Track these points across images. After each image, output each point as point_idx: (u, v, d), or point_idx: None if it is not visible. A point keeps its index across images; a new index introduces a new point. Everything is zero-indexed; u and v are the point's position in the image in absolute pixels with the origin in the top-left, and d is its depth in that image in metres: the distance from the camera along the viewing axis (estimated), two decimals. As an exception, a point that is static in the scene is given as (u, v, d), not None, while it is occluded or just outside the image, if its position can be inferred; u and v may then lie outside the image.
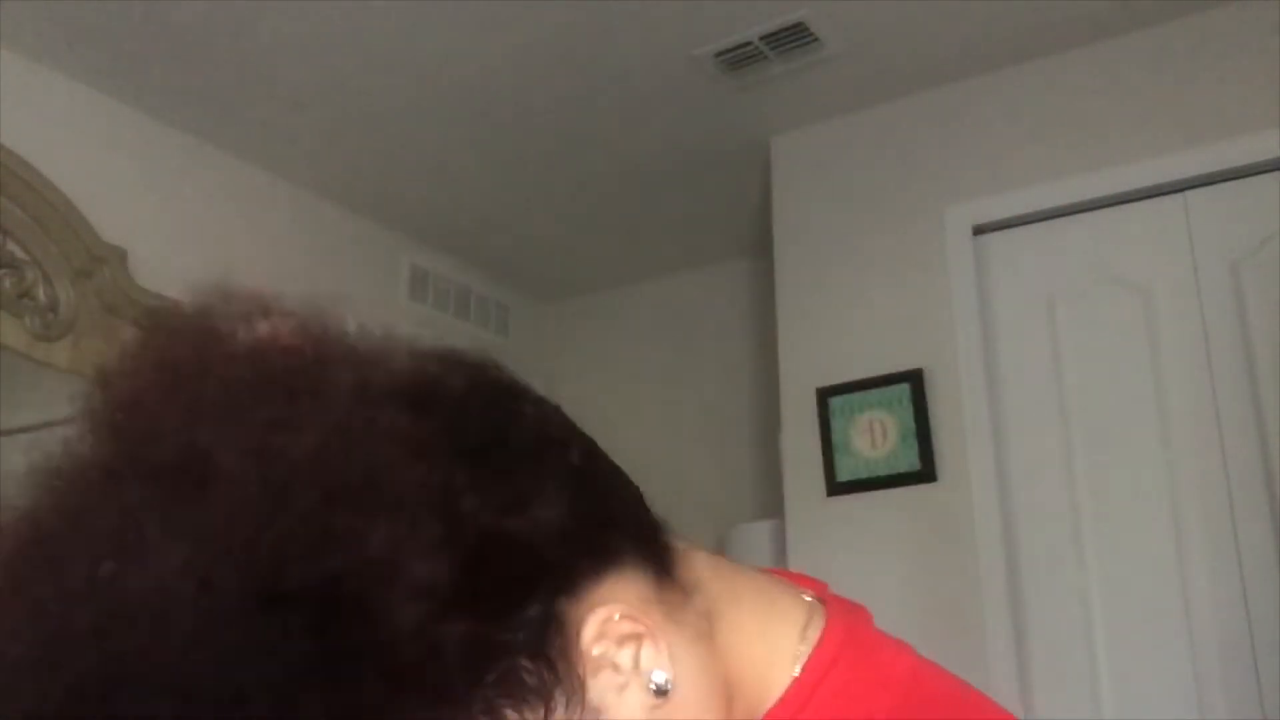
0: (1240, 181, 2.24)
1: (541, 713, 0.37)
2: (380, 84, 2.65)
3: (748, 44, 2.46)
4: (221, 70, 2.59)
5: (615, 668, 0.40)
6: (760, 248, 3.34)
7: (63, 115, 2.58)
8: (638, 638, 0.40)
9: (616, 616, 0.40)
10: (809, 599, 0.49)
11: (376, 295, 3.44)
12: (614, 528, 0.43)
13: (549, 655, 0.37)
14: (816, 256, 2.75)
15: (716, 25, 2.40)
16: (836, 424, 2.52)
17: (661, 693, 0.40)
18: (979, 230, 2.52)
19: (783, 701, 0.45)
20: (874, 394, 2.48)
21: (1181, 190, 2.30)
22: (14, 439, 2.47)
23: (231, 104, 2.75)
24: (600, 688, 0.39)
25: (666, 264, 3.83)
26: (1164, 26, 2.36)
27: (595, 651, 0.39)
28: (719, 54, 2.50)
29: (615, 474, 0.47)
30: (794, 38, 2.43)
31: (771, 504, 2.93)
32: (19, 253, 2.42)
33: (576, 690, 0.38)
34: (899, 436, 2.44)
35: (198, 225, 2.89)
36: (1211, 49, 2.30)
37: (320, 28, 2.41)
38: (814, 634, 0.47)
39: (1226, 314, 2.20)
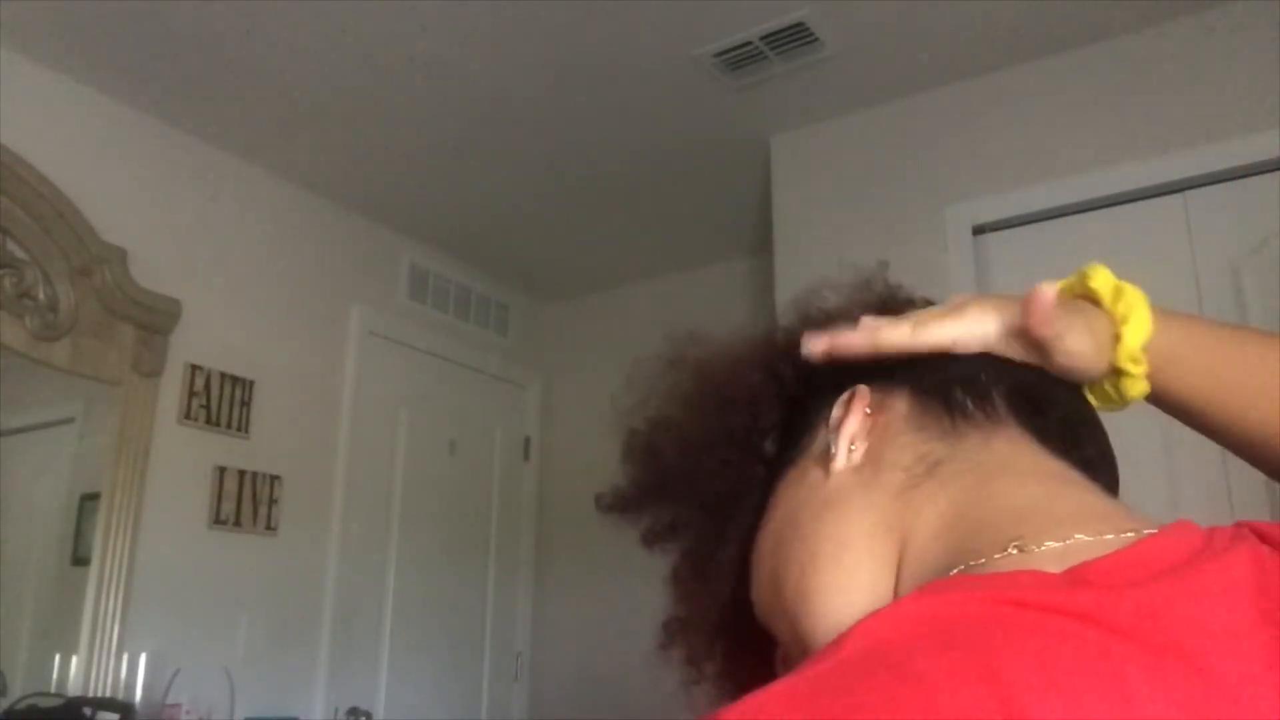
0: (1240, 181, 2.23)
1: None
2: (380, 84, 2.65)
3: (748, 44, 2.46)
4: (222, 70, 2.59)
5: (830, 422, 0.53)
6: (760, 247, 3.34)
7: (63, 115, 2.58)
8: (848, 412, 0.52)
9: (863, 391, 0.53)
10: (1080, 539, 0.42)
11: (376, 295, 3.44)
12: (900, 372, 0.54)
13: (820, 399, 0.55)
14: (816, 256, 2.75)
15: (716, 25, 2.40)
16: (836, 424, 2.51)
17: (828, 459, 0.52)
18: (979, 230, 2.52)
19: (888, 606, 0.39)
20: (874, 394, 2.48)
21: (1181, 190, 2.30)
22: (14, 439, 2.47)
23: (231, 104, 2.75)
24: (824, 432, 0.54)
25: (666, 264, 3.83)
26: (1164, 26, 2.36)
27: (836, 412, 0.53)
28: (719, 54, 2.50)
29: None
30: (794, 38, 2.43)
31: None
32: (19, 253, 2.42)
33: (817, 423, 0.55)
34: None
35: (198, 225, 2.89)
36: (1211, 49, 2.30)
37: (320, 28, 2.41)
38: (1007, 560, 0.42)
39: (1226, 314, 2.19)
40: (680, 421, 0.59)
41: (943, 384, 0.52)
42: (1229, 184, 2.25)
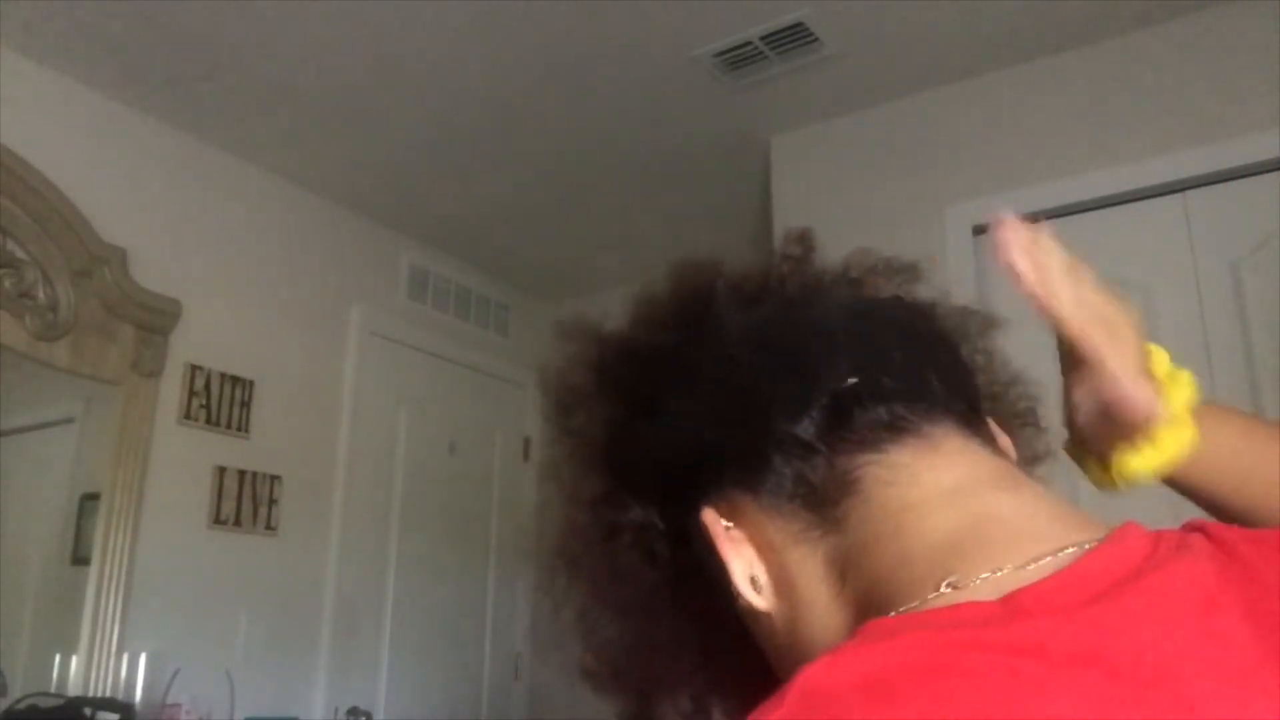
0: (1240, 181, 2.23)
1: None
2: (380, 85, 2.65)
3: (748, 44, 2.46)
4: (222, 70, 2.59)
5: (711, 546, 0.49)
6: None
7: (63, 115, 2.58)
8: (721, 551, 0.48)
9: (710, 517, 0.49)
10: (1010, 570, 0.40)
11: (376, 295, 3.44)
12: (714, 467, 0.49)
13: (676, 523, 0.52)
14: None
15: (716, 25, 2.40)
16: (836, 424, 2.51)
17: (737, 587, 0.48)
18: (979, 230, 2.52)
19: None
20: (874, 394, 2.47)
21: (1181, 190, 2.30)
22: (14, 439, 2.47)
23: (232, 104, 2.75)
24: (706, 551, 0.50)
25: (666, 264, 3.82)
26: (1164, 26, 2.36)
27: (704, 542, 0.49)
28: (719, 54, 2.50)
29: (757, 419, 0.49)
30: (794, 38, 2.43)
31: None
32: (19, 253, 2.42)
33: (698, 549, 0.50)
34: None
35: (198, 225, 2.89)
36: (1211, 49, 2.30)
37: (320, 28, 2.41)
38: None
39: (1226, 314, 2.20)
40: (585, 590, 0.57)
41: (773, 481, 0.47)
42: (1229, 184, 2.25)
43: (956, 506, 0.44)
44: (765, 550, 0.48)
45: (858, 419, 0.46)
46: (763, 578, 0.48)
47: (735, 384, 0.49)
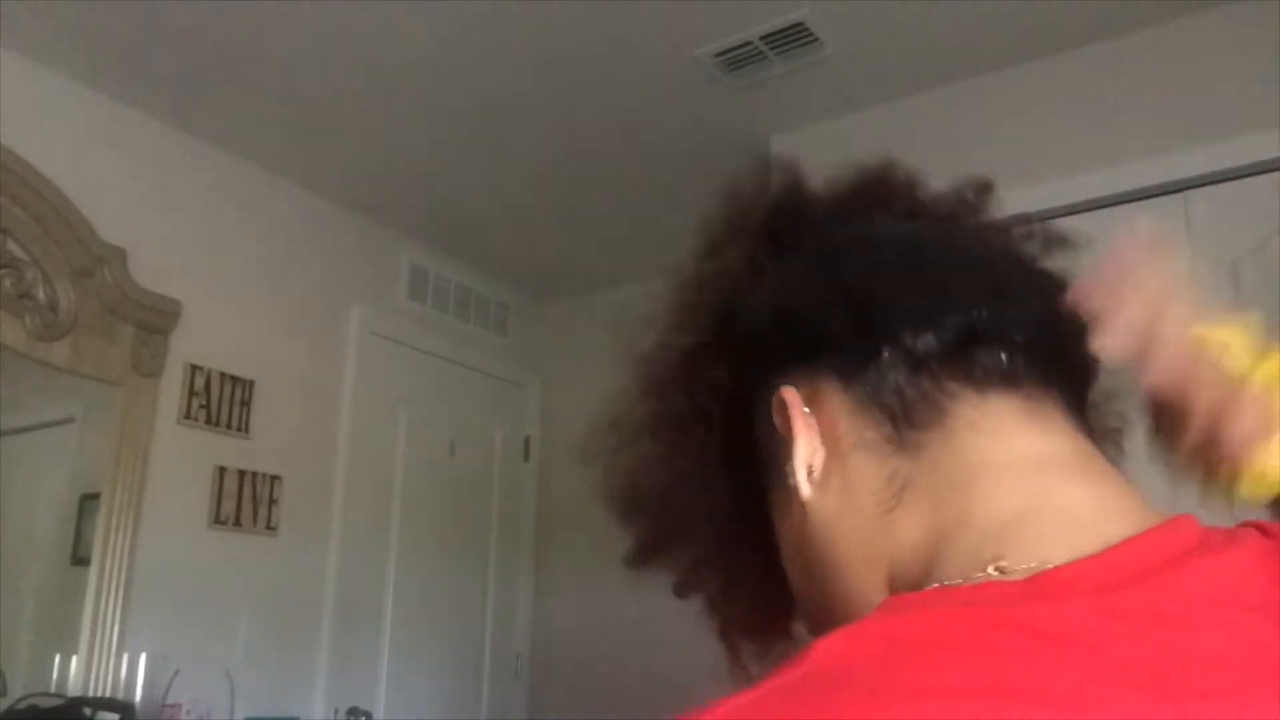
0: (1240, 181, 2.23)
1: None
2: (380, 84, 2.65)
3: (748, 44, 2.46)
4: (222, 71, 2.59)
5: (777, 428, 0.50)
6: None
7: (63, 115, 2.58)
8: (791, 429, 0.48)
9: (792, 395, 0.49)
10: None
11: (376, 295, 3.44)
12: (821, 344, 0.49)
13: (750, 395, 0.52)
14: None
15: (716, 25, 2.40)
16: (836, 424, 2.52)
17: (789, 470, 0.49)
18: (979, 230, 2.52)
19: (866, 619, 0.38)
20: (874, 394, 2.47)
21: (1181, 190, 2.30)
22: (14, 439, 2.47)
23: (232, 104, 2.75)
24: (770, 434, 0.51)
25: (666, 264, 3.82)
26: (1164, 26, 2.36)
27: (777, 420, 0.49)
28: (719, 54, 2.50)
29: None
30: (794, 38, 2.43)
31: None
32: (19, 253, 2.42)
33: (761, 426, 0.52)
34: (899, 436, 2.43)
35: (198, 225, 2.89)
36: (1211, 49, 2.30)
37: (320, 29, 2.41)
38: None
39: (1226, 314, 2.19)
40: (643, 464, 0.59)
41: (872, 379, 0.46)
42: (1229, 184, 2.25)
43: (1030, 483, 0.43)
44: (830, 443, 0.48)
45: (976, 354, 0.45)
46: (819, 468, 0.48)
47: (875, 275, 0.50)
